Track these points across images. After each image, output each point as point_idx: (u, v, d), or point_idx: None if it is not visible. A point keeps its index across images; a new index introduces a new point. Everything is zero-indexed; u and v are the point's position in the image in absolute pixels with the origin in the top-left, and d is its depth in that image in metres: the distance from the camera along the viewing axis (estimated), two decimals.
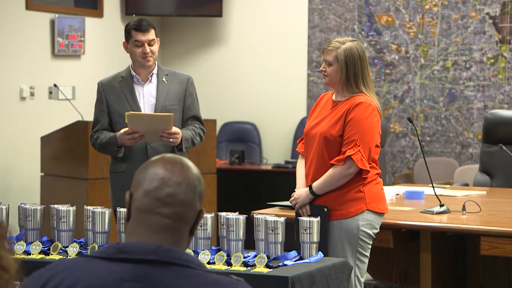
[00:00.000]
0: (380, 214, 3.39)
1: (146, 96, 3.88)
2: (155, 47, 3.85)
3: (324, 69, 3.41)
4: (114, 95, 3.88)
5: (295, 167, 6.72)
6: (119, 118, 3.84)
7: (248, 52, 7.49)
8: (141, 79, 3.89)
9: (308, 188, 3.37)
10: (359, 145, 3.27)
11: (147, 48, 3.80)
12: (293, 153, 7.22)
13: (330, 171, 3.31)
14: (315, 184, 3.34)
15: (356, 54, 3.33)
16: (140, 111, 3.84)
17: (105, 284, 1.53)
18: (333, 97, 3.45)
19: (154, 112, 3.83)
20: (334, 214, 3.29)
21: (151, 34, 3.83)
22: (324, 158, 3.35)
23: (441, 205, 3.85)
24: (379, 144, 3.41)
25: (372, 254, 3.43)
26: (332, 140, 3.33)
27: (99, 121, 3.92)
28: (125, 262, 1.55)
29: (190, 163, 1.66)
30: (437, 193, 3.91)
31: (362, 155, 3.27)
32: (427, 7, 6.94)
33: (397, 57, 7.03)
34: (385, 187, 4.84)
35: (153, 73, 3.90)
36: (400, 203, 4.26)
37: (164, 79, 3.89)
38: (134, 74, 3.89)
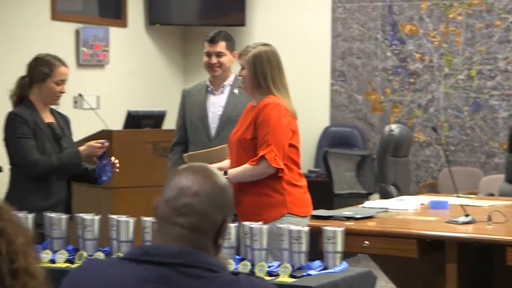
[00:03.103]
0: (304, 216, 3.46)
1: (216, 106, 4.08)
2: (224, 59, 4.03)
3: (240, 74, 3.56)
4: (190, 101, 4.13)
5: (318, 177, 6.76)
6: (190, 124, 4.11)
7: None
8: (214, 89, 4.09)
9: (223, 173, 3.41)
10: (271, 144, 3.38)
11: (214, 59, 4.01)
12: (317, 162, 7.20)
13: (247, 166, 3.41)
14: (231, 171, 3.43)
15: (264, 57, 3.48)
16: (207, 119, 4.05)
17: (129, 284, 1.56)
18: (253, 103, 3.57)
19: (219, 122, 4.03)
20: (257, 220, 3.24)
21: (220, 47, 4.02)
22: (241, 163, 3.46)
23: (466, 215, 3.82)
24: (296, 144, 3.50)
25: (397, 264, 3.41)
26: (246, 144, 3.46)
27: (178, 131, 4.19)
28: (149, 264, 1.57)
29: (215, 173, 1.66)
30: (462, 203, 3.88)
31: (275, 154, 3.38)
32: (451, 16, 6.90)
33: (421, 66, 6.99)
34: (409, 197, 4.82)
35: (225, 85, 4.09)
36: (425, 213, 4.23)
37: (236, 91, 4.05)
38: (209, 84, 4.11)
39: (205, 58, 4.04)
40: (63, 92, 3.81)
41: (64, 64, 3.80)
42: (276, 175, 3.42)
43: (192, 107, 4.12)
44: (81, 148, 3.81)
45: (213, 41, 4.01)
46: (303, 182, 3.54)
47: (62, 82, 3.77)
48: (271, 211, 3.41)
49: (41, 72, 3.74)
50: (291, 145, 3.47)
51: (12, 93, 3.85)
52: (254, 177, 3.42)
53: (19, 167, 3.69)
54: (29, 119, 3.70)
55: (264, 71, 3.47)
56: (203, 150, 3.94)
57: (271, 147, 3.38)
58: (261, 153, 3.39)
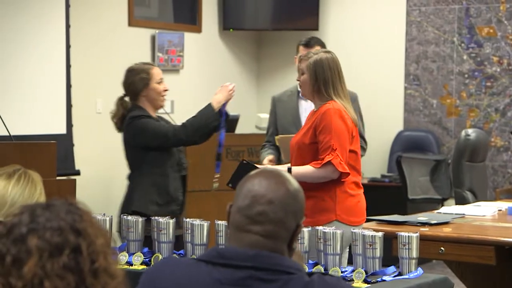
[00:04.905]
0: (352, 226, 3.40)
1: (308, 111, 4.11)
2: None
3: (299, 79, 3.58)
4: (281, 108, 4.24)
5: (391, 181, 6.68)
6: (283, 130, 4.20)
7: (344, 65, 7.39)
8: None
9: (286, 169, 3.46)
10: (336, 149, 3.39)
11: None
12: (390, 167, 7.12)
13: (312, 168, 3.41)
14: (294, 169, 3.43)
15: (325, 63, 3.51)
16: (301, 125, 4.08)
17: (204, 286, 1.59)
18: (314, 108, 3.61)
19: None
20: (305, 222, 3.22)
21: (315, 50, 4.07)
22: (299, 166, 3.47)
23: None
24: (355, 150, 3.50)
25: (474, 271, 3.34)
26: (304, 148, 3.48)
27: (269, 138, 4.29)
28: (224, 266, 1.59)
29: (288, 179, 1.66)
30: None
31: (340, 159, 3.39)
32: None
33: (498, 70, 6.84)
34: (486, 203, 4.72)
35: None
36: (503, 219, 4.13)
37: None
38: (300, 89, 4.14)
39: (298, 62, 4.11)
40: (166, 90, 3.99)
41: (154, 65, 4.05)
42: (339, 179, 3.42)
43: (283, 113, 4.21)
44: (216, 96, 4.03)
45: (308, 44, 4.11)
46: (358, 191, 3.53)
47: (161, 80, 3.95)
48: (320, 215, 3.41)
49: (142, 79, 3.90)
50: (350, 151, 3.48)
51: (113, 115, 3.96)
52: (319, 180, 3.43)
53: (168, 140, 3.81)
54: (150, 116, 3.87)
55: (325, 77, 3.50)
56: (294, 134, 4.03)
57: (336, 152, 3.39)
58: (326, 158, 3.39)
